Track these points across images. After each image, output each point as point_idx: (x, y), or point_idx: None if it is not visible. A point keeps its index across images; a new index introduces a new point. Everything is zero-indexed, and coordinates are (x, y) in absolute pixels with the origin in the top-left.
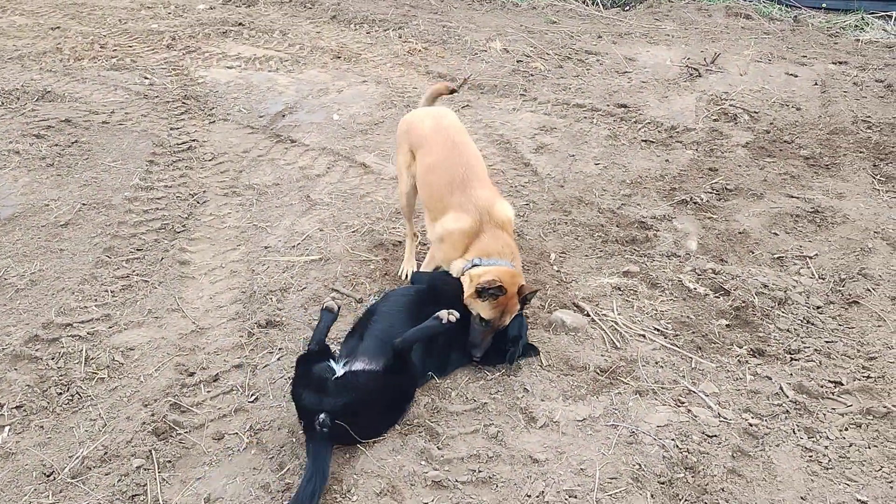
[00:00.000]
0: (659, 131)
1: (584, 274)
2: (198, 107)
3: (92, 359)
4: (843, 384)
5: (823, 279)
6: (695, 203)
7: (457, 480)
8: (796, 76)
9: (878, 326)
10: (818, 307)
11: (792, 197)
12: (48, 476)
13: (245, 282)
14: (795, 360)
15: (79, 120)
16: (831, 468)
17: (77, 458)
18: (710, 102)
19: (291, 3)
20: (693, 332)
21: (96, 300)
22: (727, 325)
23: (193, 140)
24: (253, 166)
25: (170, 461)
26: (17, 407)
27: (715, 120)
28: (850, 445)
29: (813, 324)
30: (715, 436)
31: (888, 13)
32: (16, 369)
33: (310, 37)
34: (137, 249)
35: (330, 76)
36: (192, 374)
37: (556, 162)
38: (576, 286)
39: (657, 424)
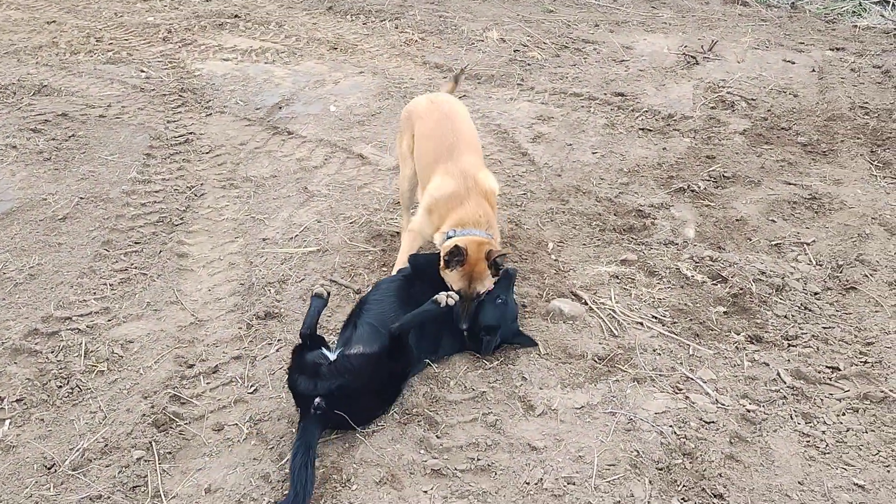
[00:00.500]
0: (656, 119)
1: (581, 262)
2: (194, 99)
3: (91, 352)
4: (840, 369)
5: (821, 265)
6: (692, 191)
7: (456, 468)
8: (794, 63)
9: (876, 312)
10: (816, 293)
11: (789, 184)
12: (49, 468)
13: (243, 274)
14: (793, 346)
15: (75, 114)
16: (829, 453)
17: (78, 450)
18: (707, 90)
19: None
20: (691, 320)
21: (95, 293)
22: (725, 312)
23: (190, 133)
24: (250, 158)
25: (170, 452)
26: (17, 400)
27: (712, 107)
28: (848, 430)
29: (810, 310)
30: (713, 422)
31: None
32: (15, 363)
33: (306, 28)
34: (136, 243)
35: (327, 67)
36: (191, 366)
37: (554, 151)
38: (573, 275)
39: (655, 411)
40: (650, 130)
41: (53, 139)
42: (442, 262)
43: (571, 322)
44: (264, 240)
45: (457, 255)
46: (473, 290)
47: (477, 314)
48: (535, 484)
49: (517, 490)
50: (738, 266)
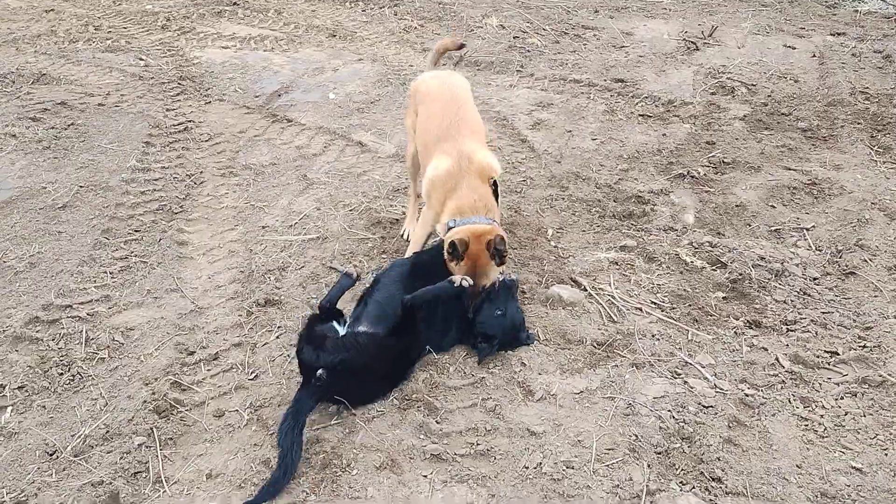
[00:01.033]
0: (656, 105)
1: (581, 249)
2: (193, 87)
3: (92, 339)
4: (838, 354)
5: (820, 251)
6: (692, 177)
7: (455, 453)
8: (794, 48)
9: (875, 297)
10: (815, 278)
11: (789, 169)
12: (51, 455)
13: (243, 261)
14: (792, 330)
15: (74, 102)
16: (827, 436)
17: (79, 436)
18: (707, 76)
19: None
20: (690, 305)
21: (95, 281)
22: (724, 298)
23: (189, 121)
24: (249, 146)
25: (171, 438)
26: (19, 387)
27: (712, 93)
28: (846, 414)
29: (809, 295)
30: (711, 406)
31: None
32: (17, 351)
33: (305, 15)
34: (135, 231)
35: (325, 55)
36: (191, 353)
37: (553, 138)
38: (573, 261)
39: (654, 396)
40: (650, 116)
41: (52, 128)
42: (446, 256)
43: (570, 308)
44: (264, 227)
45: (457, 251)
46: (479, 284)
47: (475, 319)
48: (535, 468)
49: (516, 474)
50: (738, 252)
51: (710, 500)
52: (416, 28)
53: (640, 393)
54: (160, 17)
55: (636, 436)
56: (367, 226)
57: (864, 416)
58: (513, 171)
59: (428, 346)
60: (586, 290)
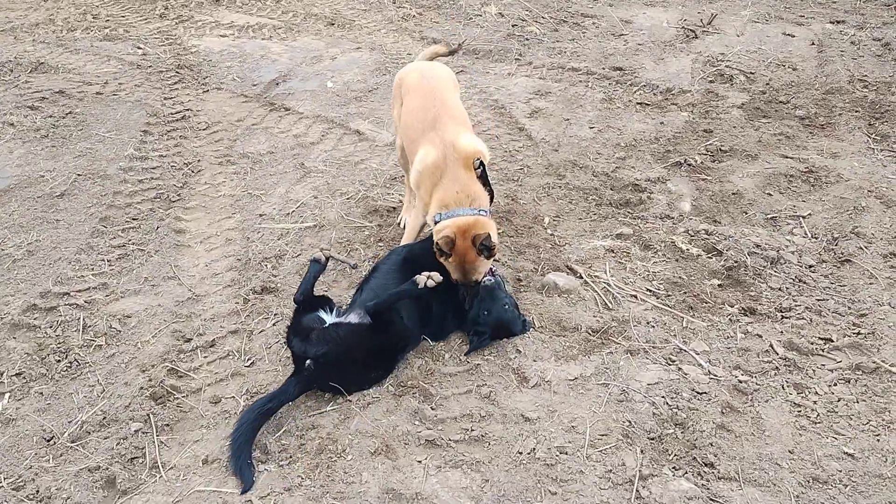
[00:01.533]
0: (654, 94)
1: (577, 237)
2: (191, 76)
3: (89, 327)
4: (833, 341)
5: (816, 238)
6: (689, 165)
7: (450, 439)
8: (793, 36)
9: (870, 284)
10: (810, 266)
11: (786, 157)
12: (48, 441)
13: (240, 249)
14: (786, 318)
15: (73, 91)
16: (819, 422)
17: (76, 422)
18: (706, 64)
19: None
20: (685, 293)
21: (93, 269)
22: (719, 285)
23: (187, 109)
24: (247, 135)
25: (168, 424)
26: (16, 374)
27: (711, 81)
28: (839, 400)
29: (805, 282)
30: (705, 393)
31: None
32: (14, 338)
33: (303, 3)
34: (133, 219)
35: (324, 43)
36: (188, 341)
37: (551, 126)
38: (569, 249)
39: (648, 382)
40: (648, 105)
41: (51, 116)
42: (436, 252)
43: (566, 295)
44: (261, 216)
45: (443, 251)
46: (469, 279)
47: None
48: (528, 454)
49: (510, 459)
50: (734, 239)
51: (703, 485)
52: (414, 16)
53: (634, 379)
54: (158, 5)
55: (630, 422)
56: (364, 214)
57: (857, 402)
58: (510, 160)
59: (423, 335)
60: (582, 278)
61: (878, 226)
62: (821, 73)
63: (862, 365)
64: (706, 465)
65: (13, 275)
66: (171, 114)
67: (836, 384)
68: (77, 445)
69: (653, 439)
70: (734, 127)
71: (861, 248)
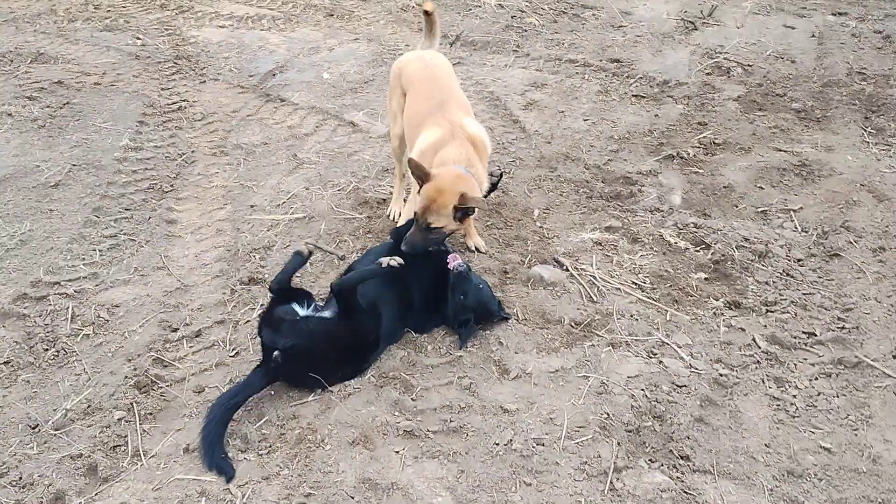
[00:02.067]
0: (651, 86)
1: (566, 230)
2: (189, 67)
3: (78, 316)
4: (816, 335)
5: (806, 232)
6: (681, 158)
7: (428, 430)
8: (794, 28)
9: (858, 278)
10: (799, 260)
11: (780, 150)
12: (33, 428)
13: (230, 240)
14: (771, 311)
15: (71, 81)
16: (798, 416)
17: (61, 411)
18: (703, 56)
19: None
20: (670, 286)
21: (84, 259)
22: (705, 279)
23: (184, 100)
24: (242, 126)
25: (151, 413)
26: (4, 363)
27: (708, 74)
28: (819, 394)
29: (792, 276)
30: (685, 386)
31: None
32: (4, 326)
33: None
34: (126, 209)
35: (322, 34)
36: (175, 330)
37: (545, 118)
38: (557, 242)
39: (628, 375)
40: (643, 97)
41: (48, 106)
42: (411, 169)
43: (551, 288)
44: (252, 206)
45: (418, 171)
46: (425, 219)
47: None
48: (505, 445)
49: (486, 451)
50: (722, 233)
51: (677, 477)
52: (413, 7)
53: (615, 372)
54: None
55: (608, 414)
56: (354, 205)
57: (838, 396)
58: (503, 152)
59: (407, 328)
60: (568, 271)
61: (870, 220)
62: (819, 65)
63: (844, 359)
64: (682, 457)
65: (5, 264)
66: (168, 104)
67: (816, 378)
68: (61, 433)
69: (630, 431)
70: (729, 120)
71: (851, 243)
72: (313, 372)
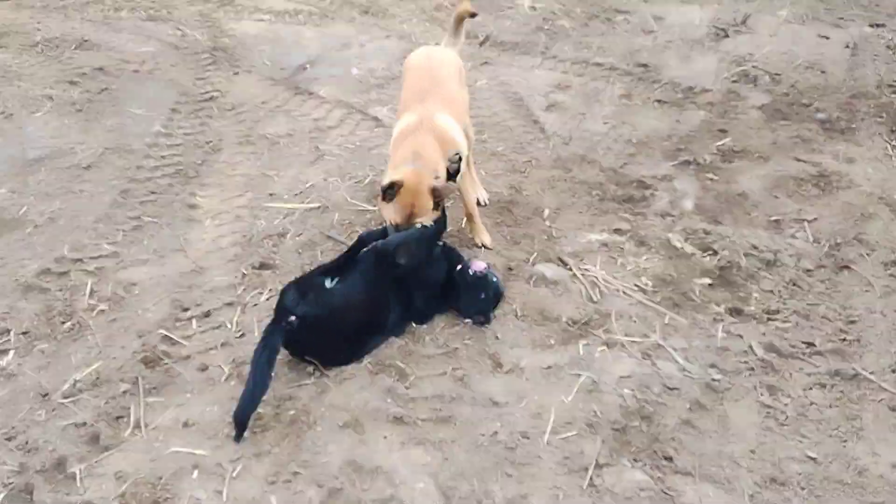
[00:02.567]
0: (675, 91)
1: (574, 230)
2: (224, 58)
3: (96, 292)
4: (815, 345)
5: (818, 243)
6: (698, 164)
7: (418, 418)
8: (828, 38)
9: (866, 291)
10: (808, 270)
11: (799, 160)
12: (43, 396)
13: (247, 226)
14: (772, 320)
15: (111, 68)
16: (787, 425)
17: (70, 381)
18: (731, 63)
19: None
20: (672, 290)
21: (107, 238)
22: (709, 284)
23: (217, 90)
24: (269, 117)
25: (155, 388)
26: (23, 333)
27: (734, 81)
28: (811, 404)
29: (798, 286)
30: (676, 388)
31: None
32: (26, 299)
33: None
34: (151, 192)
35: (355, 30)
36: (186, 310)
37: (565, 120)
38: (564, 241)
39: (620, 375)
40: (666, 102)
41: (87, 91)
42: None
43: (553, 286)
44: (270, 195)
45: (389, 188)
46: (413, 225)
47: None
48: (491, 436)
49: (472, 441)
50: (731, 240)
51: (658, 477)
52: (447, 7)
53: (607, 371)
54: None
55: (595, 412)
56: (369, 198)
57: (830, 407)
58: (520, 151)
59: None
60: (571, 270)
61: (884, 233)
62: (850, 76)
63: (841, 371)
64: (665, 458)
65: (33, 239)
66: (201, 94)
67: (811, 388)
68: (68, 402)
69: (616, 430)
70: (750, 128)
71: (862, 256)
72: (322, 348)
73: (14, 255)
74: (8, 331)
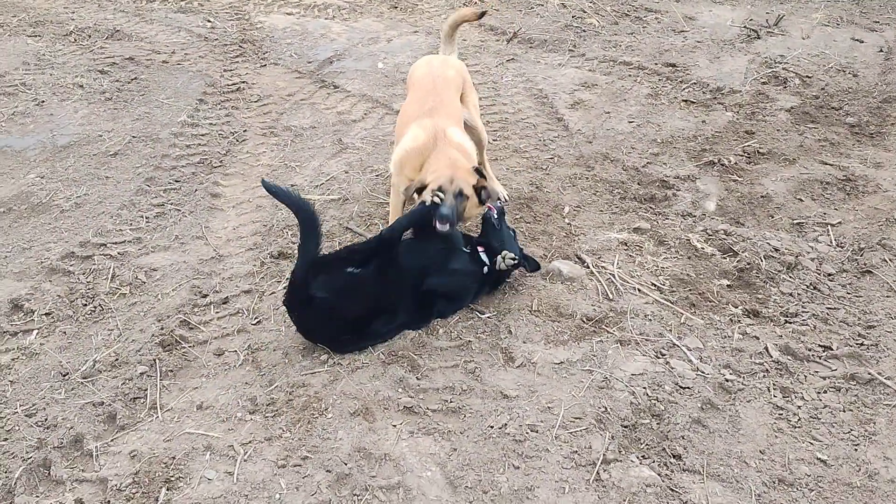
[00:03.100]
0: (703, 92)
1: (594, 228)
2: (252, 50)
3: (118, 276)
4: (832, 349)
5: (841, 247)
6: (722, 165)
7: (428, 408)
8: (862, 42)
9: (887, 297)
10: (829, 274)
11: (826, 164)
12: (63, 376)
13: (267, 216)
14: (790, 323)
15: (141, 58)
16: (798, 427)
17: (90, 361)
18: (762, 65)
19: None
20: (690, 290)
21: (131, 224)
22: (728, 286)
23: (243, 82)
24: (294, 109)
25: (171, 371)
26: (46, 314)
27: (763, 83)
28: (825, 408)
29: (819, 290)
30: (688, 387)
31: None
32: (50, 281)
33: None
34: (175, 181)
35: (383, 25)
36: (204, 296)
37: (590, 118)
38: (583, 239)
39: (632, 373)
40: (693, 103)
41: (117, 81)
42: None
43: (569, 283)
44: (292, 186)
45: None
46: (457, 186)
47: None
48: (500, 428)
49: (481, 432)
50: (752, 241)
51: (666, 475)
52: (475, 3)
53: (620, 369)
54: None
55: (605, 408)
56: (389, 191)
57: (844, 411)
58: (542, 149)
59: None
60: (588, 268)
61: None
62: (882, 80)
63: (857, 375)
64: (674, 456)
65: (59, 224)
66: (228, 85)
67: (825, 392)
68: (87, 382)
69: (626, 427)
70: (777, 130)
71: (885, 261)
72: (328, 330)
73: (40, 238)
74: (32, 311)
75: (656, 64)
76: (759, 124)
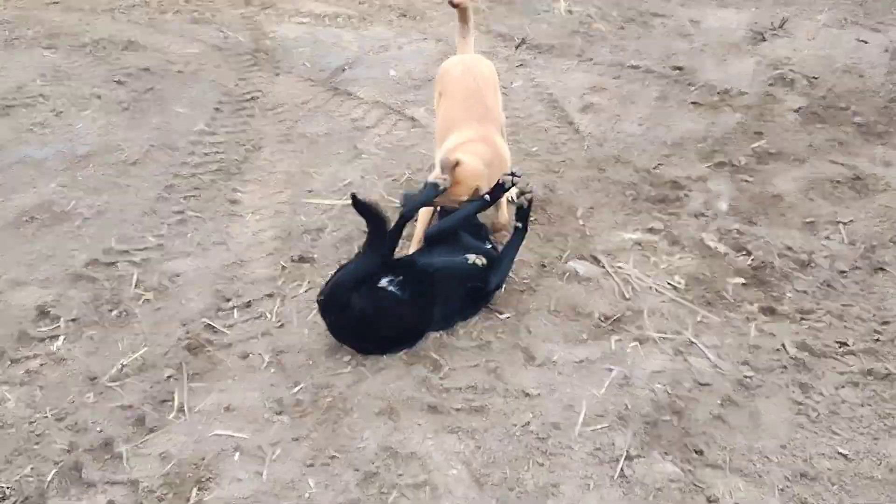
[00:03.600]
0: (711, 94)
1: (608, 229)
2: (266, 60)
3: (142, 282)
4: (848, 345)
5: (854, 245)
6: (733, 165)
7: (451, 407)
8: (867, 42)
9: None
10: (842, 272)
11: (835, 163)
12: (92, 380)
13: (286, 221)
14: (805, 319)
15: (157, 69)
16: (818, 422)
17: (118, 366)
18: (768, 67)
19: None
20: (705, 288)
21: (153, 231)
22: (742, 284)
23: (258, 91)
24: (308, 116)
25: (198, 374)
26: (72, 320)
27: (770, 84)
28: (843, 402)
29: (833, 287)
30: (707, 384)
31: None
32: (75, 287)
33: None
34: (195, 188)
35: (393, 33)
36: (228, 300)
37: (600, 121)
38: (597, 240)
39: (652, 370)
40: (702, 105)
41: (134, 91)
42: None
43: (585, 283)
44: (309, 191)
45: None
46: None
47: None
48: (523, 426)
49: (504, 430)
50: (765, 240)
51: (689, 470)
52: (483, 10)
53: (639, 367)
54: None
55: (627, 405)
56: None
57: (863, 405)
58: (554, 152)
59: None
60: (604, 268)
61: None
62: (888, 80)
63: (874, 370)
64: (696, 451)
65: (82, 232)
66: (243, 94)
67: (843, 387)
68: (116, 386)
69: (647, 424)
70: (786, 130)
71: None
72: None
73: (64, 246)
74: (58, 318)
75: (664, 67)
76: (767, 125)
